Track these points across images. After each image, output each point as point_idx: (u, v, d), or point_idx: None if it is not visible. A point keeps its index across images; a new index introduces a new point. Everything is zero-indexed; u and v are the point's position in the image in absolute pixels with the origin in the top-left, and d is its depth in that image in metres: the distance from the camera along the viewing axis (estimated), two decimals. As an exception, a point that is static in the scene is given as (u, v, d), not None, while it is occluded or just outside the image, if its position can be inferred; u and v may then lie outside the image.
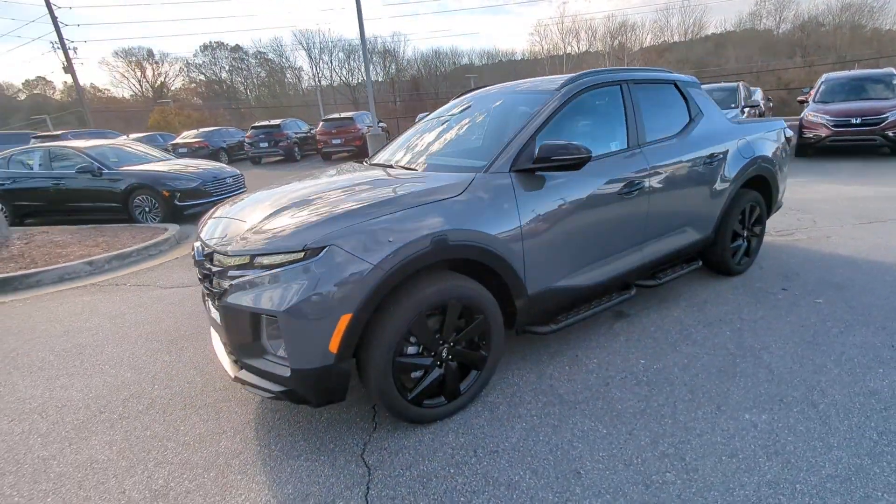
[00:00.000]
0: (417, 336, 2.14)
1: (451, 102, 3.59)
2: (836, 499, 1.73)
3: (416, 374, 2.22)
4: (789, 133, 4.18)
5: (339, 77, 54.48)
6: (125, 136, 19.16)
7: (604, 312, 3.29)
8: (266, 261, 1.97)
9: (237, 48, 64.36)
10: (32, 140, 16.51)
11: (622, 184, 2.78)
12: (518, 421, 2.29)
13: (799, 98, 10.41)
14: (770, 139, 3.87)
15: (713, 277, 3.84)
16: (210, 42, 64.78)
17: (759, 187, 3.88)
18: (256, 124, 17.88)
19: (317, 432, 2.30)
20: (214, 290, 2.14)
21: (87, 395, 2.77)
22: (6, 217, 8.24)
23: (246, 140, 17.46)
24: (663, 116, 3.27)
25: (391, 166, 2.96)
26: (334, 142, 15.15)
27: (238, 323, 2.05)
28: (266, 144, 16.80)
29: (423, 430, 2.26)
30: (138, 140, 18.63)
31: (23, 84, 65.02)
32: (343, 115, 16.20)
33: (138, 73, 59.93)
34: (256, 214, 2.32)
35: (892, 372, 2.46)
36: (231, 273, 2.07)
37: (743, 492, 1.79)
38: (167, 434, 2.37)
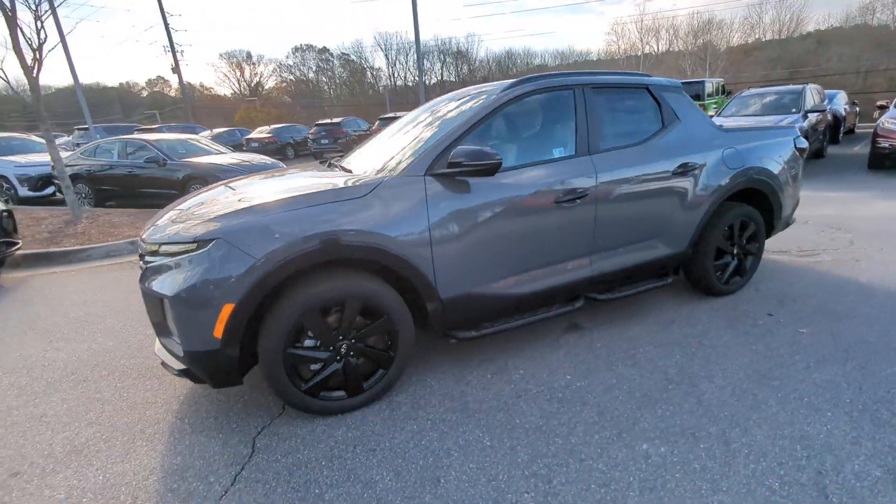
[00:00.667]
0: (311, 330, 2.20)
1: (422, 106, 3.59)
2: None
3: (315, 367, 2.28)
4: (803, 144, 3.71)
5: (413, 77, 55.67)
6: (209, 131, 20.98)
7: (557, 323, 3.21)
8: (168, 249, 2.13)
9: (324, 50, 67.96)
10: (135, 132, 18.62)
11: (560, 192, 2.65)
12: (411, 423, 2.28)
13: (879, 102, 9.08)
14: (772, 149, 3.47)
15: (696, 296, 3.52)
16: (301, 44, 69.06)
17: (755, 201, 3.50)
18: (320, 122, 18.75)
19: (229, 411, 2.44)
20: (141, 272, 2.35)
21: (70, 358, 3.12)
22: (90, 199, 9.41)
23: (309, 136, 18.46)
24: (627, 123, 3.06)
25: (340, 168, 3.03)
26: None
27: (150, 303, 2.24)
28: (326, 141, 17.65)
29: (320, 420, 2.32)
30: (219, 135, 20.37)
31: (146, 82, 73.04)
32: (398, 114, 16.59)
33: (238, 73, 65.24)
34: (190, 206, 2.49)
35: (840, 418, 2.14)
36: (146, 258, 2.25)
37: (591, 524, 1.66)
38: (110, 398, 2.62)
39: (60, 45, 13.89)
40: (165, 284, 2.08)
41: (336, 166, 3.13)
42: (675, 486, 1.81)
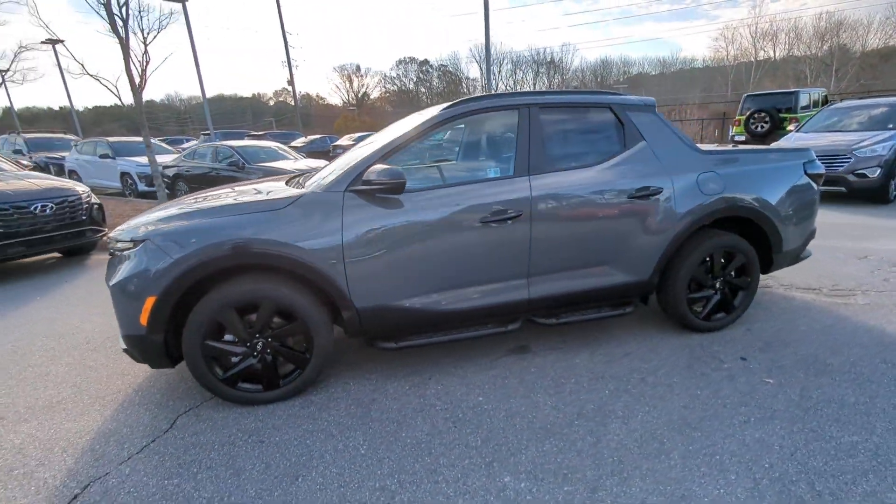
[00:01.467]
0: (228, 326, 2.41)
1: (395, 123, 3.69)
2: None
3: (236, 360, 2.50)
4: (817, 169, 3.20)
5: (506, 87, 55.72)
6: (304, 137, 22.91)
7: (505, 343, 3.13)
8: (117, 245, 2.47)
9: (424, 62, 70.86)
10: (246, 137, 20.95)
11: (488, 212, 2.59)
12: (309, 422, 2.39)
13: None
14: (770, 175, 3.05)
15: (673, 329, 3.21)
16: (404, 57, 72.62)
17: (746, 232, 3.10)
18: None
19: (175, 391, 2.74)
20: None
21: (94, 330, 3.69)
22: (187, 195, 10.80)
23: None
24: (583, 143, 2.89)
25: (293, 182, 3.14)
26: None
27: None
28: None
29: (239, 409, 2.52)
30: (312, 141, 22.12)
31: (273, 93, 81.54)
32: None
33: (347, 84, 70.33)
34: (166, 207, 2.85)
35: (743, 483, 1.86)
36: (109, 249, 2.63)
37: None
38: (98, 367, 3.07)
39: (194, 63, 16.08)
40: (110, 275, 2.43)
41: (293, 180, 3.24)
42: (508, 523, 1.73)
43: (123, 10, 7.32)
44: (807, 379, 2.57)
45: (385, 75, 71.29)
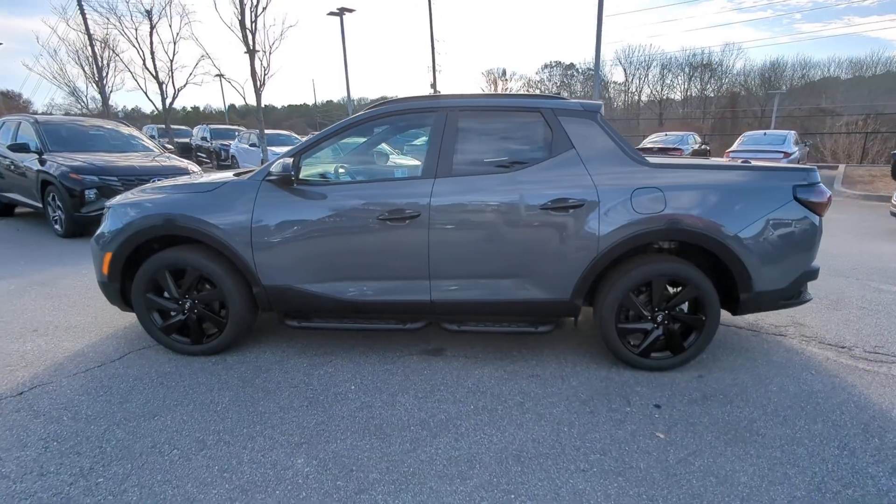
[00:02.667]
0: (162, 284, 2.85)
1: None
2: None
3: (173, 315, 2.93)
4: (816, 194, 2.48)
5: (651, 93, 51.17)
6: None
7: (427, 341, 3.12)
8: (102, 210, 3.07)
9: (570, 66, 68.96)
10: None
11: (387, 210, 2.60)
12: (205, 375, 2.70)
13: None
14: (740, 196, 2.47)
15: (606, 360, 2.80)
16: (550, 61, 71.44)
17: (702, 260, 2.56)
18: None
19: (142, 332, 3.30)
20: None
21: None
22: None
23: None
24: (501, 149, 2.70)
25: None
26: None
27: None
28: None
29: (172, 356, 2.95)
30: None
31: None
32: None
33: (491, 89, 71.81)
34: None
35: (508, 528, 1.63)
36: None
37: None
38: (111, 309, 3.83)
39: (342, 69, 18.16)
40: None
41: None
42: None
43: (253, 24, 8.73)
44: (708, 446, 2.07)
45: (529, 80, 71.00)
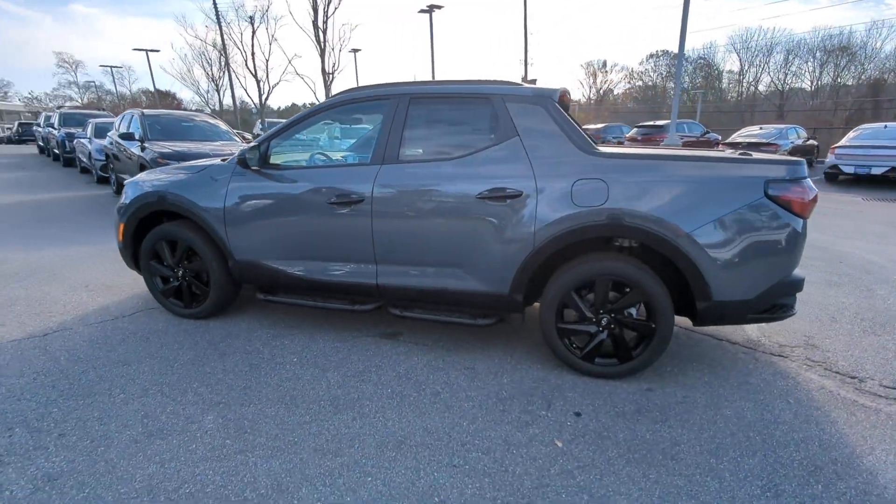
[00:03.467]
0: (161, 254, 3.21)
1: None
2: None
3: (171, 280, 3.30)
4: (795, 191, 2.03)
5: (775, 81, 44.90)
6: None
7: (386, 325, 3.21)
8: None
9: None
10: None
11: (335, 195, 2.67)
12: (184, 336, 3.01)
13: None
14: (699, 190, 2.13)
15: (551, 362, 2.61)
16: (656, 51, 66.30)
17: (654, 262, 2.26)
18: (642, 123, 17.21)
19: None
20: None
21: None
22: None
23: (624, 139, 18.12)
24: (449, 136, 2.61)
25: None
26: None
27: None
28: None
29: (167, 316, 3.34)
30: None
31: None
32: (657, 122, 14.52)
33: (591, 80, 68.33)
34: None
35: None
36: None
37: None
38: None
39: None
40: (124, 198, 3.53)
41: None
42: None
43: (324, 24, 9.27)
44: (605, 462, 1.86)
45: (631, 70, 66.32)
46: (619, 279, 2.30)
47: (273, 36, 14.57)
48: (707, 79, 59.88)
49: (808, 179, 2.14)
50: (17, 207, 7.78)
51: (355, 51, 30.87)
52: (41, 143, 19.67)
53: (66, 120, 15.64)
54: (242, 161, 2.84)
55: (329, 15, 9.14)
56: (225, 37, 16.65)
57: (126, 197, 3.28)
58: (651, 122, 14.82)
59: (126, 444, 1.98)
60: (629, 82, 65.05)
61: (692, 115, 40.18)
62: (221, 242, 3.00)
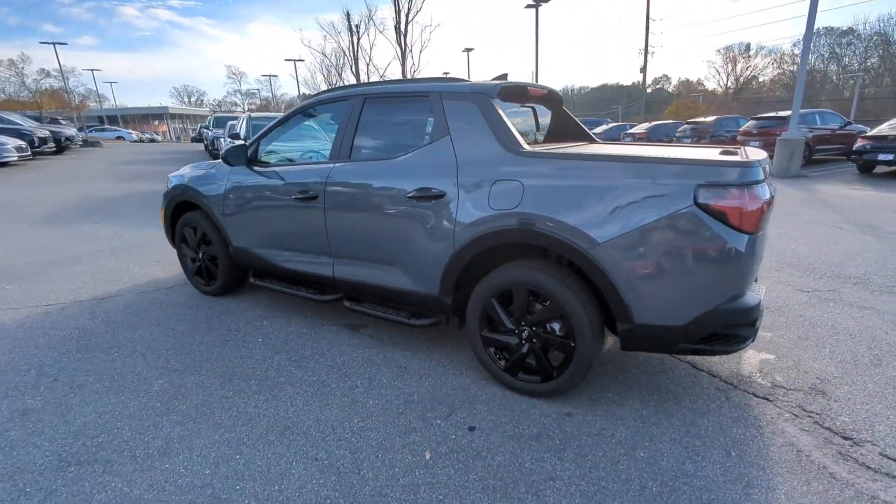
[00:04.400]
0: (186, 237, 3.70)
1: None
2: None
3: (195, 260, 3.79)
4: (738, 200, 1.57)
5: None
6: (607, 124, 22.13)
7: (354, 319, 3.32)
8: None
9: (848, 31, 52.94)
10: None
11: (297, 190, 2.81)
12: (192, 310, 3.44)
13: None
14: (615, 195, 1.79)
15: (481, 373, 2.43)
16: (818, 28, 56.07)
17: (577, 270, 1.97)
18: (760, 115, 14.74)
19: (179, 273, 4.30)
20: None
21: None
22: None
23: (675, 134, 16.22)
24: (393, 135, 2.56)
25: None
26: (752, 143, 11.93)
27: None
28: (689, 140, 15.19)
29: (191, 292, 3.84)
30: (608, 130, 20.94)
31: (652, 80, 79.39)
32: (780, 113, 12.13)
33: (729, 67, 59.93)
34: None
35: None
36: None
37: None
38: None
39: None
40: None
41: None
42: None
43: (405, 28, 9.61)
44: (458, 485, 1.70)
45: (782, 54, 56.69)
46: (535, 290, 2.07)
47: (374, 41, 15.76)
48: (884, 59, 48.99)
49: (761, 185, 1.68)
50: (155, 194, 9.49)
51: (468, 50, 31.29)
52: (204, 141, 23.71)
53: (217, 122, 18.51)
54: (225, 159, 3.14)
55: (410, 20, 9.49)
56: (340, 44, 18.24)
57: (167, 186, 3.84)
58: (772, 114, 12.57)
59: (88, 394, 2.36)
60: (779, 67, 55.85)
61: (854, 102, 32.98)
62: (221, 231, 3.36)
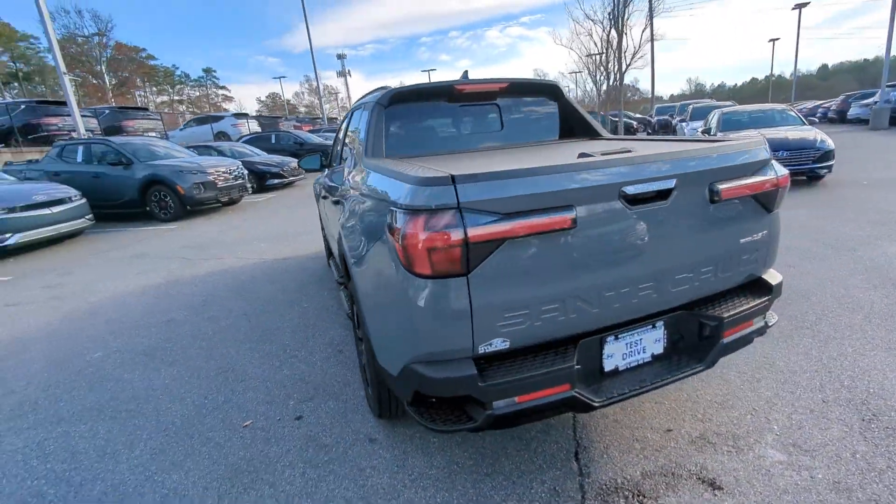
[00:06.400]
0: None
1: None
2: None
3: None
4: (413, 229, 1.17)
5: None
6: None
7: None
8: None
9: None
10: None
11: (335, 187, 2.86)
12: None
13: None
14: (367, 212, 1.55)
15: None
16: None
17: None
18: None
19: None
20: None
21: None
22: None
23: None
24: (356, 141, 2.69)
25: None
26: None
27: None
28: None
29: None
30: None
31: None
32: None
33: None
34: None
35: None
36: None
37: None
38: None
39: None
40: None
41: None
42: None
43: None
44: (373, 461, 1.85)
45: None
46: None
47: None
48: None
49: (447, 214, 1.16)
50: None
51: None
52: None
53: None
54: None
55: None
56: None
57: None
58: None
59: (160, 339, 3.35)
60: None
61: None
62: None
